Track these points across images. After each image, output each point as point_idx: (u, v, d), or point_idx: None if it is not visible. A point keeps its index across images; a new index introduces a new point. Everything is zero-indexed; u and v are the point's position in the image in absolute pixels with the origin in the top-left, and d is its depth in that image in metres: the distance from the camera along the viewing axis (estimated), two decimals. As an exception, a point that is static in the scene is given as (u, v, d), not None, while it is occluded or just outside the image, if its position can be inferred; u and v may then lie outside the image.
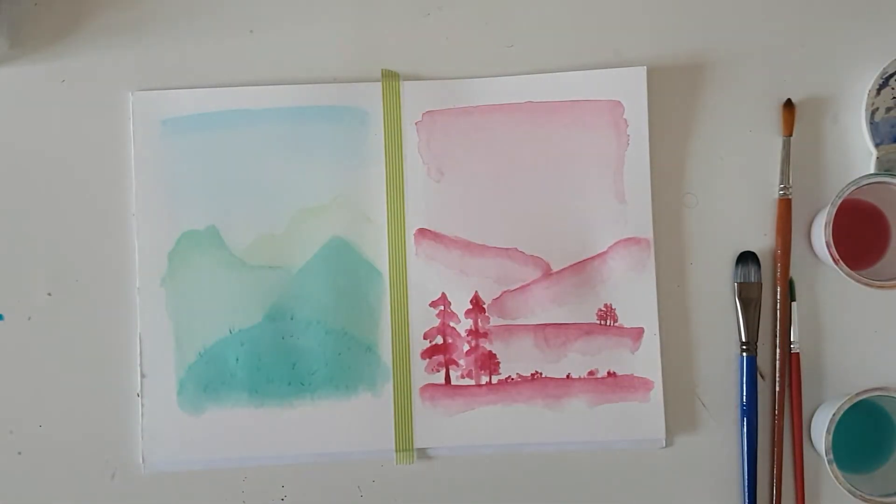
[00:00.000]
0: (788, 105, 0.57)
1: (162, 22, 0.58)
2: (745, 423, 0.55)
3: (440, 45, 0.58)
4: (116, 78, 0.57)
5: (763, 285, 0.56)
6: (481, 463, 0.56)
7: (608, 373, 0.56)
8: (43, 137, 0.57)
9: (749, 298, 0.56)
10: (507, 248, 0.56)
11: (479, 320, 0.56)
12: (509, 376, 0.56)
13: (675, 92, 0.57)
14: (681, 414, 0.56)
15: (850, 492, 0.51)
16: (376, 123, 0.57)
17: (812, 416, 0.56)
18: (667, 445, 0.56)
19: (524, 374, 0.56)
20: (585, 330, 0.56)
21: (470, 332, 0.56)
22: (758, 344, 0.56)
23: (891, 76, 0.55)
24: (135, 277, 0.56)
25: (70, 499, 0.55)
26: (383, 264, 0.56)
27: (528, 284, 0.56)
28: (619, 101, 0.56)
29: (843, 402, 0.52)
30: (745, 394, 0.55)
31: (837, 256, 0.52)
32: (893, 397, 0.53)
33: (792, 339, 0.55)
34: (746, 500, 0.55)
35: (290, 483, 0.56)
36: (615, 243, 0.56)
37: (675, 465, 0.56)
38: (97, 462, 0.55)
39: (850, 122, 0.57)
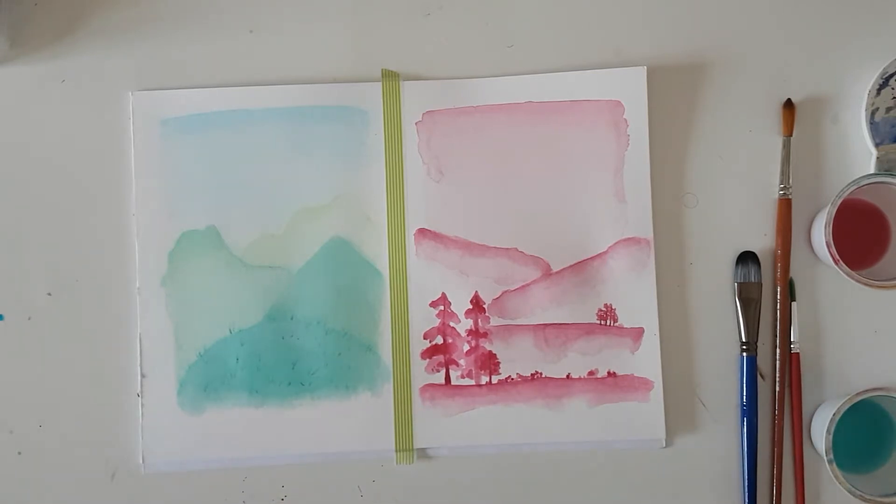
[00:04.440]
0: (788, 105, 0.57)
1: (162, 22, 0.58)
2: (745, 423, 0.55)
3: (440, 45, 0.58)
4: (116, 78, 0.57)
5: (763, 285, 0.56)
6: (481, 463, 0.56)
7: (608, 373, 0.56)
8: (43, 137, 0.57)
9: (749, 298, 0.56)
10: (507, 248, 0.56)
11: (479, 320, 0.56)
12: (509, 376, 0.56)
13: (675, 92, 0.57)
14: (681, 414, 0.56)
15: (850, 492, 0.51)
16: (376, 123, 0.57)
17: (812, 416, 0.56)
18: (667, 445, 0.56)
19: (524, 374, 0.56)
20: (585, 330, 0.56)
21: (470, 332, 0.56)
22: (758, 344, 0.56)
23: (891, 76, 0.55)
24: (135, 277, 0.56)
25: (70, 499, 0.55)
26: (383, 264, 0.56)
27: (528, 284, 0.56)
28: (620, 101, 0.56)
29: (843, 402, 0.52)
30: (745, 394, 0.55)
31: (837, 256, 0.52)
32: (893, 397, 0.53)
33: (792, 339, 0.55)
34: (746, 500, 0.55)
35: (290, 483, 0.56)
36: (615, 243, 0.56)
37: (675, 465, 0.56)
38: (97, 462, 0.55)
39: (850, 122, 0.57)
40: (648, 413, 0.55)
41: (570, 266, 0.56)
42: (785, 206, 0.56)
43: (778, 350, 0.56)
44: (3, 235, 0.56)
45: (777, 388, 0.55)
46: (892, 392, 0.52)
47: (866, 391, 0.52)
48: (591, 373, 0.56)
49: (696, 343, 0.56)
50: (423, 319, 0.56)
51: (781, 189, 0.56)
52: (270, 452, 0.55)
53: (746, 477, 0.55)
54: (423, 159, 0.57)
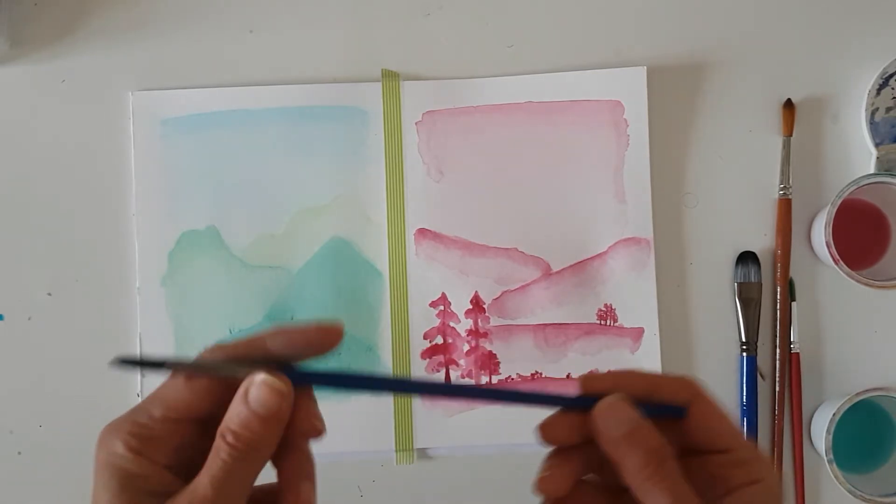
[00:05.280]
0: (788, 105, 0.57)
1: (162, 22, 0.58)
2: (745, 423, 0.55)
3: (440, 45, 0.58)
4: (116, 78, 0.57)
5: (763, 285, 0.56)
6: (481, 463, 0.56)
7: (608, 373, 0.56)
8: (43, 137, 0.57)
9: (749, 298, 0.56)
10: (507, 248, 0.56)
11: (479, 320, 0.56)
12: (509, 376, 0.56)
13: (675, 92, 0.57)
14: (681, 414, 0.56)
15: (850, 492, 0.51)
16: (376, 123, 0.57)
17: (812, 416, 0.56)
18: (667, 445, 0.56)
19: (524, 374, 0.56)
20: (585, 330, 0.56)
21: (470, 332, 0.56)
22: (758, 344, 0.56)
23: (891, 76, 0.55)
24: (135, 277, 0.56)
25: (70, 499, 0.55)
26: (383, 264, 0.56)
27: (528, 284, 0.56)
28: (620, 101, 0.56)
29: (843, 402, 0.52)
30: (745, 394, 0.55)
31: (837, 256, 0.52)
32: (893, 397, 0.53)
33: (792, 339, 0.55)
34: (746, 500, 0.55)
35: (290, 483, 0.56)
36: (615, 243, 0.56)
37: (675, 465, 0.56)
38: (97, 462, 0.55)
39: (850, 122, 0.57)
40: (648, 413, 0.55)
41: (570, 266, 0.56)
42: (785, 206, 0.56)
43: (778, 350, 0.56)
44: (3, 235, 0.56)
45: (777, 388, 0.55)
46: (892, 392, 0.52)
47: (866, 391, 0.52)
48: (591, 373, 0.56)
49: (696, 343, 0.56)
50: (423, 319, 0.56)
51: (781, 189, 0.56)
52: (270, 452, 0.55)
53: (746, 477, 0.55)
54: (423, 159, 0.57)
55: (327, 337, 0.30)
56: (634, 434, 0.29)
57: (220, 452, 0.28)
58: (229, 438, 0.28)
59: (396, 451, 0.55)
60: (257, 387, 0.28)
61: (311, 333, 0.30)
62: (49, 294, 0.56)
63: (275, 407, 0.28)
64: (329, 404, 0.55)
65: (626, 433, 0.29)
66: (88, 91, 0.57)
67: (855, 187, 0.52)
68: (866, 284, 0.53)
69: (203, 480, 0.28)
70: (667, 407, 0.30)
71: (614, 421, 0.29)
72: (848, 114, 0.57)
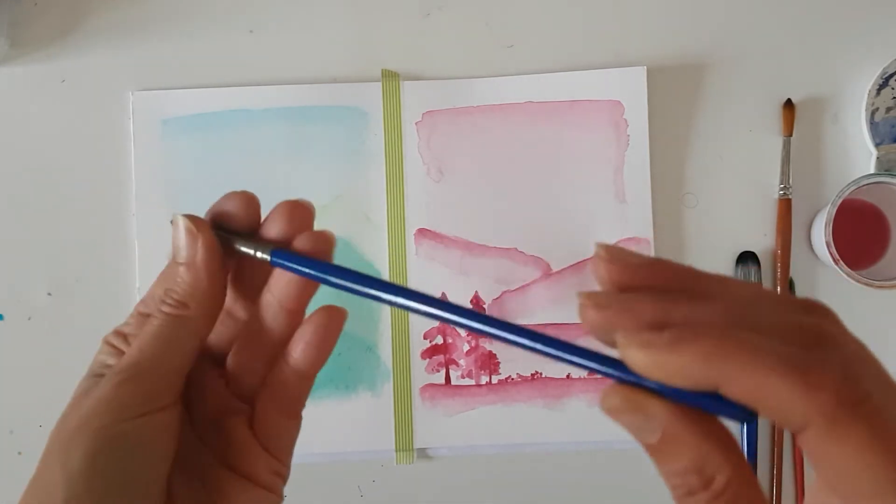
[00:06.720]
0: (788, 105, 0.57)
1: (162, 22, 0.58)
2: (744, 423, 0.55)
3: (440, 45, 0.58)
4: (116, 78, 0.57)
5: (763, 285, 0.56)
6: (481, 463, 0.56)
7: (608, 373, 0.56)
8: (43, 137, 0.57)
9: (749, 298, 0.56)
10: (507, 248, 0.56)
11: (479, 320, 0.56)
12: (509, 376, 0.56)
13: (675, 92, 0.57)
14: (681, 414, 0.56)
15: (850, 492, 0.51)
16: (376, 123, 0.57)
17: (812, 416, 0.56)
18: (667, 445, 0.56)
19: (524, 374, 0.56)
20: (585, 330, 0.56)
21: (470, 332, 0.56)
22: (758, 344, 0.56)
23: (891, 76, 0.55)
24: (135, 277, 0.56)
25: (70, 499, 0.55)
26: (383, 264, 0.56)
27: (528, 284, 0.56)
28: (619, 101, 0.56)
29: (843, 402, 0.51)
30: (745, 394, 0.55)
31: (837, 256, 0.52)
32: (893, 397, 0.53)
33: (792, 339, 0.55)
34: (746, 500, 0.55)
35: (290, 483, 0.56)
36: (615, 243, 0.56)
37: (675, 465, 0.56)
38: (97, 462, 0.55)
39: (850, 122, 0.57)
40: (648, 413, 0.55)
41: (570, 266, 0.56)
42: (785, 206, 0.56)
43: (778, 350, 0.56)
44: (3, 235, 0.56)
45: (777, 388, 0.55)
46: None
47: (866, 391, 0.52)
48: (591, 373, 0.56)
49: (696, 343, 0.56)
50: (423, 319, 0.56)
51: (781, 189, 0.56)
52: (270, 452, 0.55)
53: (746, 477, 0.55)
54: (423, 159, 0.57)
55: (241, 203, 0.29)
56: (667, 443, 0.21)
57: (152, 317, 0.27)
58: (161, 298, 0.27)
59: (396, 451, 0.55)
60: (174, 234, 0.28)
61: (226, 204, 0.29)
62: (49, 294, 0.56)
63: (191, 251, 0.27)
64: (329, 404, 0.55)
65: (656, 443, 0.21)
66: (88, 91, 0.57)
67: (855, 187, 0.52)
68: (866, 284, 0.53)
69: (133, 344, 0.26)
70: (730, 406, 0.22)
71: (634, 427, 0.21)
72: (848, 114, 0.57)
